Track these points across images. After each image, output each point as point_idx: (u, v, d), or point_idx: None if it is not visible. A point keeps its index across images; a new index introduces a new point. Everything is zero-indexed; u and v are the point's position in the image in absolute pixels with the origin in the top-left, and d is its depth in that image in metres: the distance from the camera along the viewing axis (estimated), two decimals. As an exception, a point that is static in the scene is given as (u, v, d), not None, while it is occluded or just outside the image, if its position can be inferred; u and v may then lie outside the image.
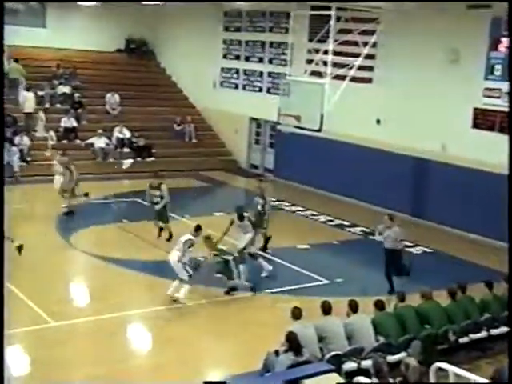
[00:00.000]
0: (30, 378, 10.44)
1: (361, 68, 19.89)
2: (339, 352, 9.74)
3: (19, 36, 27.39)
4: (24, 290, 13.10)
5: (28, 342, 11.50)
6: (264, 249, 16.55)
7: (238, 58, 27.81)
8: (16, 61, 26.49)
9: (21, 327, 11.88)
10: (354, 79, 19.56)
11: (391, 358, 9.92)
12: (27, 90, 25.80)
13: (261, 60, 26.75)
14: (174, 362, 10.90)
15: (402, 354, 10.02)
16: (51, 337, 11.62)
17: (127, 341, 12.11)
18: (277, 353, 9.52)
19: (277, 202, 22.29)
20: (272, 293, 14.19)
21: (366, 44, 19.81)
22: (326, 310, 10.22)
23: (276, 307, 13.31)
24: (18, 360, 10.89)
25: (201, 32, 28.78)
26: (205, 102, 29.29)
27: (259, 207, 16.44)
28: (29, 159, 24.01)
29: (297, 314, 9.97)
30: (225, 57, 28.36)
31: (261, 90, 26.74)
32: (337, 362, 9.50)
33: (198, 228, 13.70)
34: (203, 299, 13.46)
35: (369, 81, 21.70)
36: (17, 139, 24.01)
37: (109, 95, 27.90)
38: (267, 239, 16.77)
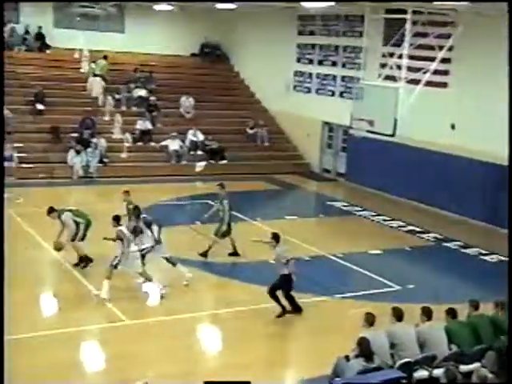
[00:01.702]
0: (106, 373, 10.71)
1: (436, 72, 19.61)
2: (410, 359, 9.62)
3: (99, 41, 28.27)
4: (98, 287, 13.40)
5: (103, 339, 11.80)
6: (204, 254, 15.98)
7: (311, 61, 27.81)
8: (105, 58, 27.98)
9: (96, 324, 12.23)
10: (428, 83, 19.31)
11: (464, 368, 9.73)
12: (94, 75, 27.23)
13: (334, 64, 26.68)
14: (245, 363, 10.97)
15: (476, 365, 9.82)
16: (126, 334, 11.88)
17: (200, 341, 12.28)
18: (347, 358, 9.48)
19: (349, 207, 22.22)
20: (343, 298, 14.14)
21: (441, 48, 19.52)
22: (398, 316, 10.12)
23: (347, 312, 13.25)
24: (93, 356, 11.20)
25: (275, 36, 28.90)
26: (277, 106, 29.40)
27: (221, 214, 16.10)
28: (105, 160, 24.60)
29: (370, 319, 9.91)
30: (298, 60, 28.40)
31: (333, 94, 26.66)
32: (408, 370, 9.39)
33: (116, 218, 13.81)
34: (272, 302, 13.48)
35: (444, 85, 21.33)
36: (94, 141, 24.67)
37: (183, 98, 28.34)
38: (207, 249, 16.15)
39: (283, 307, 12.82)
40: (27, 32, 28.65)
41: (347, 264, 16.17)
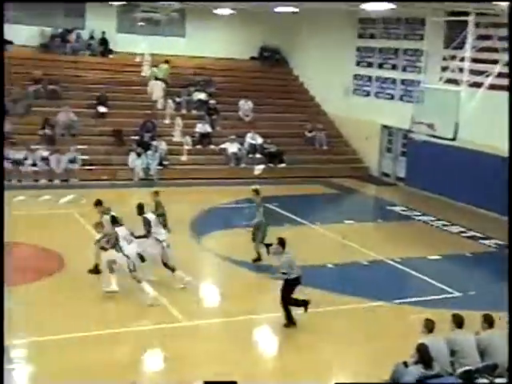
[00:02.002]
0: (161, 374, 10.85)
1: (499, 75, 19.26)
2: (471, 367, 9.48)
3: (160, 45, 28.69)
4: (157, 287, 13.60)
5: (160, 339, 11.92)
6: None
7: (370, 65, 27.66)
8: (167, 62, 28.53)
9: (153, 324, 12.40)
10: (491, 87, 18.97)
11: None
12: (156, 79, 27.78)
13: (394, 67, 26.47)
14: (300, 367, 10.99)
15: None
16: (182, 335, 12.00)
17: (255, 343, 12.31)
18: (405, 364, 9.41)
19: (408, 212, 22.01)
20: (401, 303, 14.02)
21: (505, 50, 19.16)
22: (458, 323, 9.98)
23: (404, 318, 13.13)
24: (149, 356, 11.35)
25: (334, 39, 28.84)
26: (336, 109, 29.31)
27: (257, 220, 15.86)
28: (166, 163, 24.93)
29: (429, 326, 9.79)
30: (358, 64, 28.27)
31: (393, 97, 26.45)
32: (468, 378, 9.26)
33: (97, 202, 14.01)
34: (332, 306, 13.48)
35: (508, 88, 20.94)
36: (155, 144, 25.04)
37: (242, 102, 28.53)
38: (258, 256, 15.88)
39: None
40: (92, 37, 29.29)
41: (406, 269, 16.03)
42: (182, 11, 29.44)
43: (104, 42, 29.32)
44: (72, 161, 23.60)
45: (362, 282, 15.16)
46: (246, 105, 28.55)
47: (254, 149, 26.71)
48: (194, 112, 27.80)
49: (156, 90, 27.75)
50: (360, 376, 10.65)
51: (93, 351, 11.01)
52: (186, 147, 25.81)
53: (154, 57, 28.48)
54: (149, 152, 24.65)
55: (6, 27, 27.16)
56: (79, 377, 10.05)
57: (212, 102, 28.11)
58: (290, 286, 12.47)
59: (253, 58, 32.24)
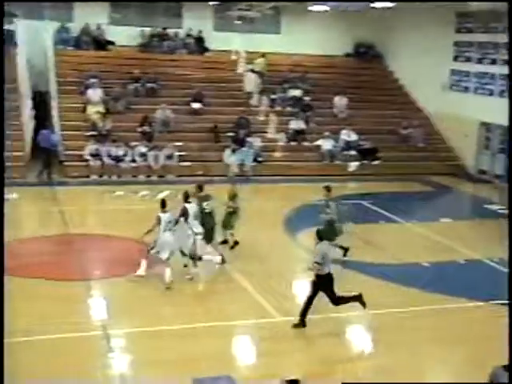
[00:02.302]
0: (253, 368, 10.95)
1: None
2: None
3: (255, 42, 28.98)
4: (252, 283, 13.80)
5: (254, 335, 12.07)
6: None
7: (469, 59, 27.02)
8: (263, 56, 28.80)
9: (247, 319, 12.56)
10: None
11: None
12: (251, 70, 28.21)
13: (493, 62, 25.77)
14: (397, 367, 10.89)
15: None
16: (277, 331, 12.07)
17: (348, 342, 12.27)
18: (505, 368, 9.19)
19: (506, 210, 21.39)
20: (498, 304, 13.66)
21: None
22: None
23: (503, 319, 12.82)
24: (242, 350, 11.52)
25: (430, 34, 28.31)
26: (433, 106, 28.80)
27: (329, 217, 15.59)
28: (260, 159, 25.18)
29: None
30: (455, 59, 27.68)
31: (492, 93, 25.76)
32: None
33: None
34: (428, 305, 13.30)
35: None
36: (249, 140, 25.33)
37: (337, 98, 28.46)
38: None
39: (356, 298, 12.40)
40: (189, 36, 29.88)
41: (504, 270, 15.61)
42: (277, 9, 29.64)
43: (200, 40, 29.87)
44: (169, 157, 24.21)
45: (458, 282, 14.88)
46: (340, 101, 28.46)
47: (348, 146, 26.60)
48: (289, 109, 27.93)
49: (250, 82, 28.02)
50: (459, 377, 10.48)
51: (192, 342, 11.24)
52: (280, 144, 25.98)
53: (249, 54, 28.82)
54: (243, 148, 24.97)
55: (109, 28, 28.29)
56: (175, 368, 10.31)
57: (306, 98, 28.17)
58: (326, 281, 11.98)
59: (348, 55, 32.09)
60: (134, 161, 23.95)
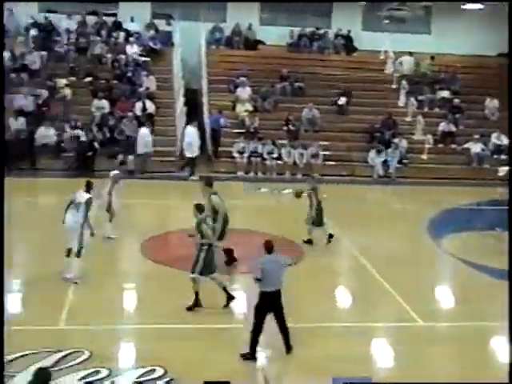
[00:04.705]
0: (391, 371, 10.84)
1: None
2: None
3: (405, 42, 28.61)
4: (394, 286, 13.67)
5: (394, 338, 11.90)
6: None
7: None
8: (432, 58, 28.85)
9: (388, 322, 12.48)
10: None
11: None
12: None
13: None
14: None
15: None
16: (419, 336, 11.88)
17: (487, 351, 11.79)
18: None
19: None
20: None
21: None
22: None
23: None
24: (382, 353, 11.41)
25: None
26: None
27: None
28: (405, 161, 24.87)
29: None
30: None
31: None
32: None
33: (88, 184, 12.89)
34: None
35: None
36: (395, 141, 25.08)
37: (488, 100, 27.54)
38: None
39: None
40: (338, 36, 29.96)
41: None
42: (429, 8, 29.10)
43: (349, 39, 29.85)
44: (314, 156, 24.43)
45: None
46: (491, 103, 27.54)
47: (498, 149, 25.70)
48: (437, 110, 27.38)
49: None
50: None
51: (329, 342, 11.22)
52: (427, 146, 25.52)
53: (398, 54, 28.49)
54: (389, 149, 24.76)
55: (259, 28, 28.90)
56: (337, 365, 10.23)
57: (456, 100, 27.47)
58: None
59: (501, 55, 30.89)
60: (279, 158, 24.37)
